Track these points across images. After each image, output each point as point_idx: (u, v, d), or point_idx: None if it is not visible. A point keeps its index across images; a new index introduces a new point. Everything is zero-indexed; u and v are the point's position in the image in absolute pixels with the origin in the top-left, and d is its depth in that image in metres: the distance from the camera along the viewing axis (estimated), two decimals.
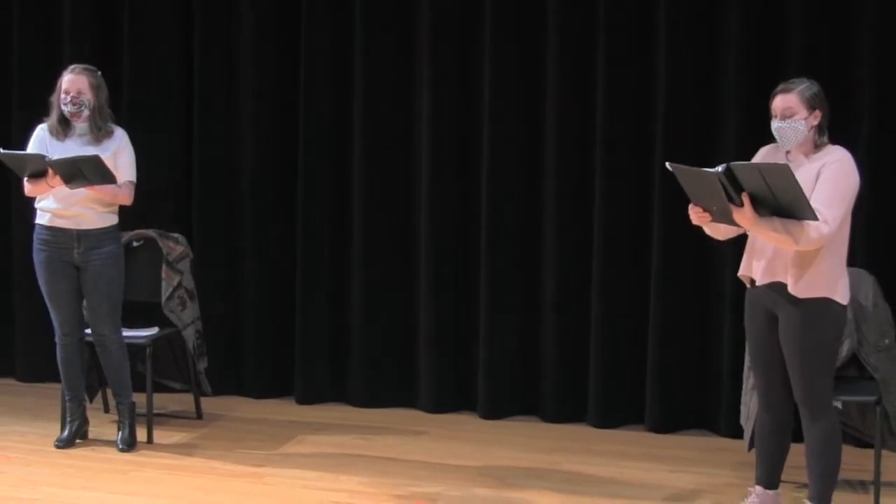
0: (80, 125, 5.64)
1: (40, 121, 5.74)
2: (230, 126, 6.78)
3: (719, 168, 4.27)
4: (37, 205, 5.72)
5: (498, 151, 6.36)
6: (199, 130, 6.79)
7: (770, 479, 4.82)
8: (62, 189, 5.51)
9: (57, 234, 5.67)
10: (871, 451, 5.09)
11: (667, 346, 6.16)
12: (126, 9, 6.81)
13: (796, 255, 4.45)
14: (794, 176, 4.20)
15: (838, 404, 4.95)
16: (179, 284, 6.19)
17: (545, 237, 6.37)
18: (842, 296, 4.53)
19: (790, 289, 4.49)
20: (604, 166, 6.19)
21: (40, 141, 5.67)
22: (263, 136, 6.75)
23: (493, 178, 6.37)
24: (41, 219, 5.71)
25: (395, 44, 6.53)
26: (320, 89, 6.62)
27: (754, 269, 4.65)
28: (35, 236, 5.74)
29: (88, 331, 5.83)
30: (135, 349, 5.99)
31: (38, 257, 5.73)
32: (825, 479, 4.61)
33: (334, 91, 6.63)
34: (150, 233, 6.19)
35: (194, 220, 6.80)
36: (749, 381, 5.11)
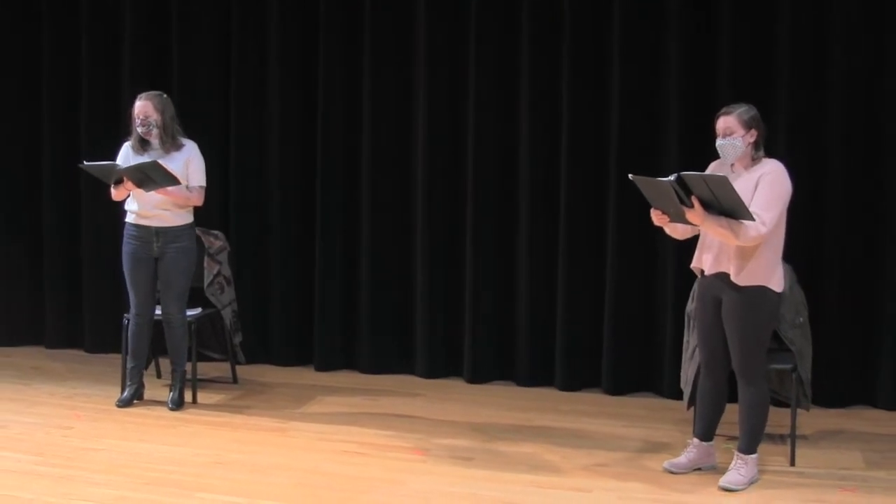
0: (154, 141, 5.63)
1: (126, 138, 5.75)
2: (261, 140, 6.74)
3: (672, 177, 4.28)
4: (126, 207, 5.72)
5: (480, 163, 6.33)
6: (235, 155, 6.75)
7: (706, 433, 4.83)
8: (142, 194, 5.53)
9: (140, 231, 5.68)
10: (788, 410, 5.08)
11: (620, 323, 6.15)
12: (175, 51, 6.80)
13: (738, 249, 4.44)
14: (731, 185, 4.22)
15: None
16: (219, 272, 6.17)
17: (520, 238, 6.34)
18: (777, 284, 4.52)
19: (732, 278, 4.48)
20: (568, 173, 6.17)
21: (125, 155, 5.69)
22: (287, 150, 6.71)
23: (476, 185, 6.34)
24: (129, 218, 5.73)
25: (395, 75, 6.50)
26: (335, 116, 6.58)
27: (704, 261, 4.64)
28: (125, 232, 5.75)
29: (158, 310, 5.82)
30: None
31: (125, 248, 5.73)
32: (753, 434, 4.63)
33: (346, 117, 6.60)
34: (195, 230, 6.16)
35: (231, 219, 6.77)
36: (688, 351, 5.11)
